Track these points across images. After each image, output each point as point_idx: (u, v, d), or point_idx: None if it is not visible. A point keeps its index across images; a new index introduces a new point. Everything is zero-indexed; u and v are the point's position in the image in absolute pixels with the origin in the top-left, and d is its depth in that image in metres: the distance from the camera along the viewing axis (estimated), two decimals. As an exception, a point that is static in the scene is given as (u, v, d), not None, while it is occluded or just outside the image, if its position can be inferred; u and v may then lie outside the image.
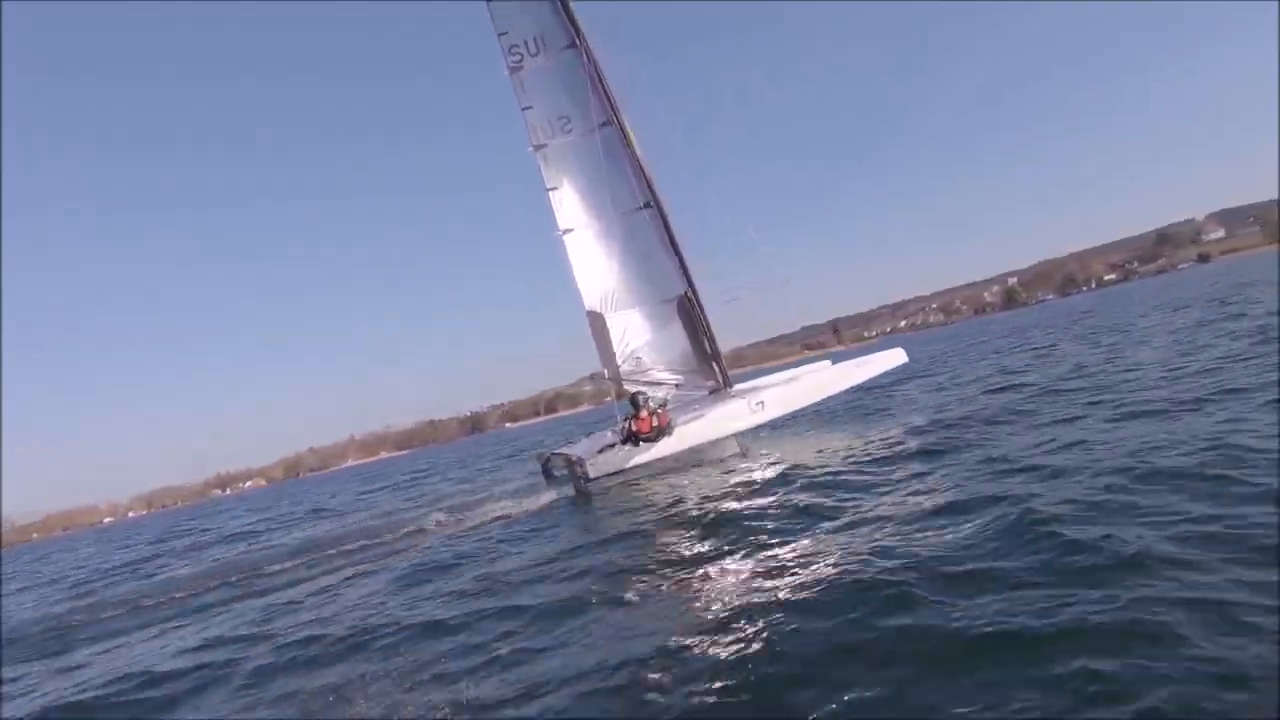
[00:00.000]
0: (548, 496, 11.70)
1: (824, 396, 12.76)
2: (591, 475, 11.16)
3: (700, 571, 5.73)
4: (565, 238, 13.18)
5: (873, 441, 10.42)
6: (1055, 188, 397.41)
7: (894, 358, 13.44)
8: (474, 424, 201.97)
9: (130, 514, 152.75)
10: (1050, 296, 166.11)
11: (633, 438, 11.48)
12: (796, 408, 12.55)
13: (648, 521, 8.14)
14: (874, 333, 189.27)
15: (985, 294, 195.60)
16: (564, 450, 12.95)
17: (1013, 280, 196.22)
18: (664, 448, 11.45)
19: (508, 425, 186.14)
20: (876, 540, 5.48)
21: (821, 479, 8.36)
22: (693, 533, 7.12)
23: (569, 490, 11.74)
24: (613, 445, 11.66)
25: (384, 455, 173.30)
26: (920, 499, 6.54)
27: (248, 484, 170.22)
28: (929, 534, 5.41)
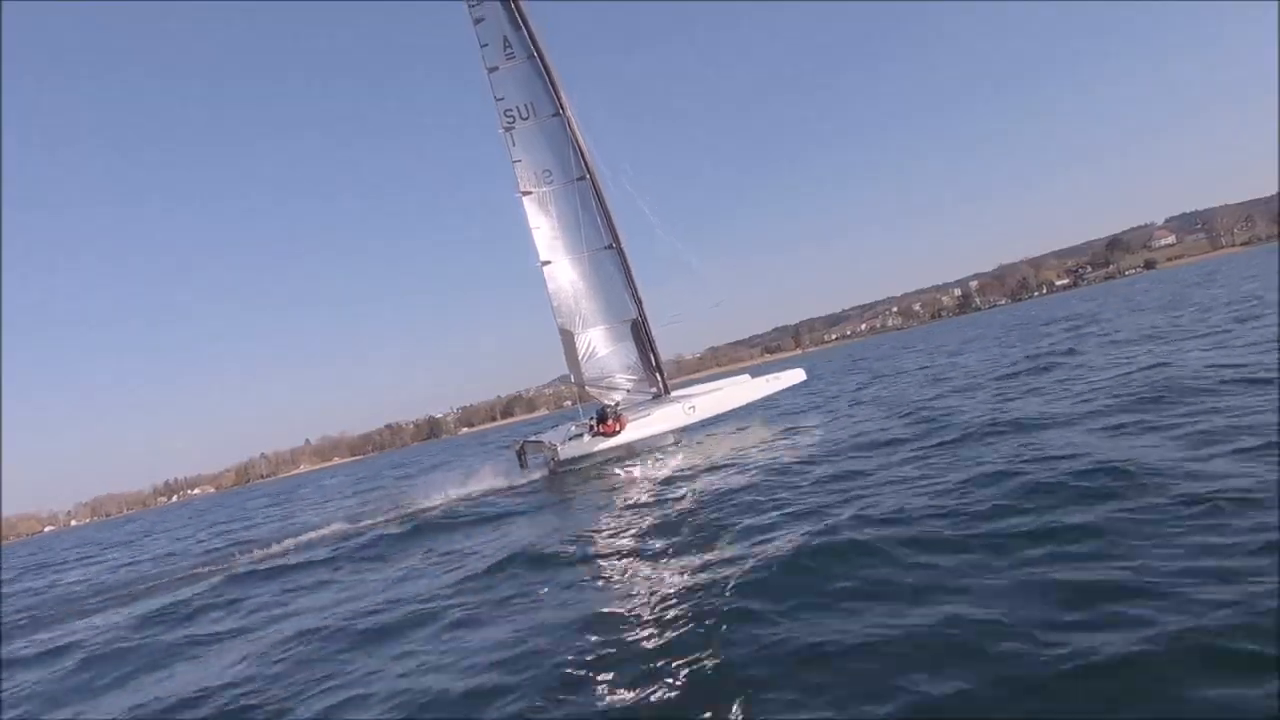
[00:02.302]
0: (525, 477, 15.33)
1: (742, 404, 16.85)
2: (562, 458, 14.91)
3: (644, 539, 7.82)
4: (544, 268, 16.90)
5: (768, 439, 14.37)
6: (1027, 189, 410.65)
7: (796, 376, 17.73)
8: (431, 429, 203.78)
9: (73, 523, 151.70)
10: (1003, 301, 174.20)
11: (599, 436, 15.29)
12: (720, 411, 16.54)
13: (604, 504, 10.72)
14: (834, 336, 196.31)
15: (943, 298, 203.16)
16: (536, 438, 16.62)
17: (973, 283, 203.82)
18: (619, 439, 15.28)
19: (464, 430, 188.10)
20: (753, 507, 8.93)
21: (730, 466, 12.01)
22: (639, 509, 9.56)
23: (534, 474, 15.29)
24: (580, 435, 15.42)
25: (337, 461, 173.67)
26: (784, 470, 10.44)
27: (195, 491, 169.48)
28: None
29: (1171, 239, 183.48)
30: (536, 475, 15.24)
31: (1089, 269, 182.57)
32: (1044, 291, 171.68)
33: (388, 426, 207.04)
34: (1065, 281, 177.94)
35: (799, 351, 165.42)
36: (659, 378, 16.97)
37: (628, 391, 16.92)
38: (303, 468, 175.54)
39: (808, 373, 18.68)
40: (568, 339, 17.02)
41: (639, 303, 16.83)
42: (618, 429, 15.26)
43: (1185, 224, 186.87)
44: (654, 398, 16.90)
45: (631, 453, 15.43)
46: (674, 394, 16.97)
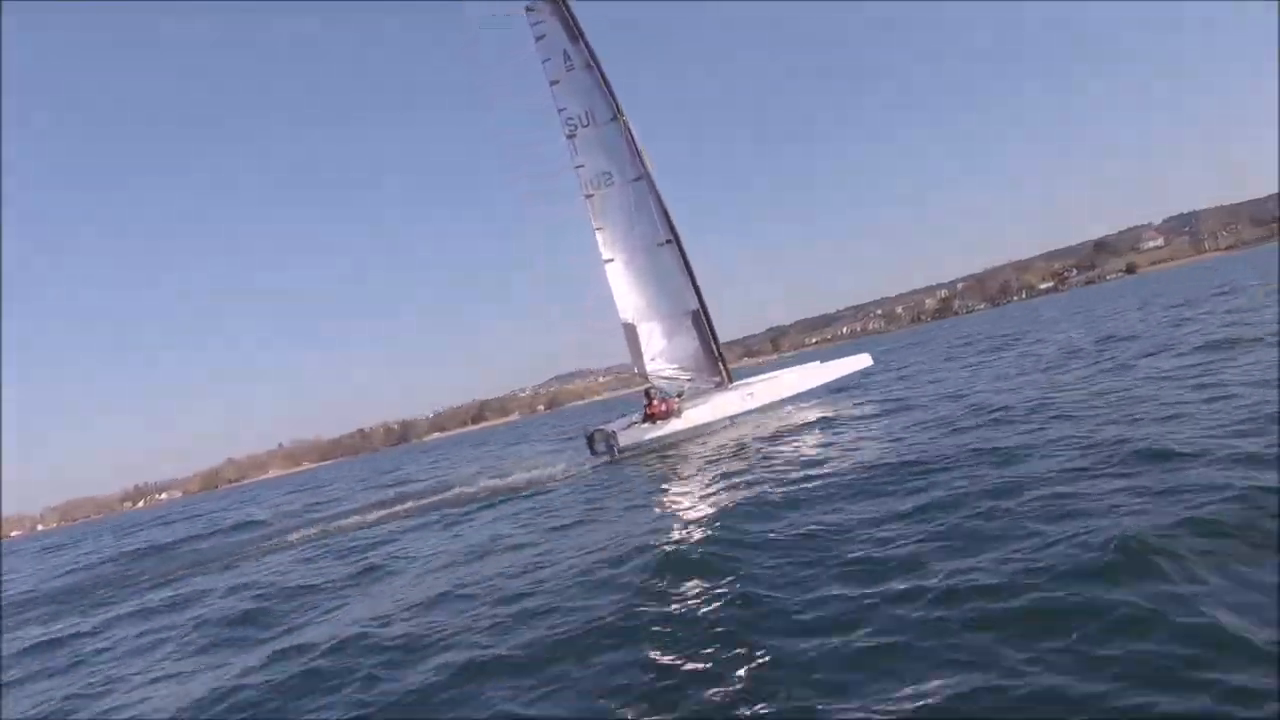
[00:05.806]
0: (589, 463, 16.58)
1: (803, 389, 18.37)
2: (621, 444, 16.27)
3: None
4: (607, 266, 18.22)
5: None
6: (1029, 188, 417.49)
7: (861, 361, 19.31)
8: (402, 434, 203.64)
9: (40, 527, 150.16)
10: (982, 306, 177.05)
11: (649, 418, 16.69)
12: (779, 398, 17.96)
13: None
14: (814, 340, 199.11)
15: (927, 301, 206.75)
16: (602, 427, 17.94)
17: (959, 285, 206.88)
18: (674, 426, 16.62)
19: (435, 435, 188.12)
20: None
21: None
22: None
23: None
24: (638, 424, 16.79)
25: (307, 466, 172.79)
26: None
27: (163, 495, 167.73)
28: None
29: (1160, 241, 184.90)
30: (604, 459, 16.43)
31: (1075, 271, 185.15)
32: (1023, 296, 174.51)
33: (359, 431, 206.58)
34: (1048, 285, 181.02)
35: (775, 356, 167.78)
36: (721, 367, 18.27)
37: (689, 381, 18.23)
38: (272, 473, 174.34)
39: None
40: (630, 331, 18.34)
41: (699, 294, 18.13)
42: (664, 409, 16.58)
43: (1179, 226, 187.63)
44: (716, 386, 18.23)
45: (690, 439, 16.57)
46: (735, 383, 18.20)
